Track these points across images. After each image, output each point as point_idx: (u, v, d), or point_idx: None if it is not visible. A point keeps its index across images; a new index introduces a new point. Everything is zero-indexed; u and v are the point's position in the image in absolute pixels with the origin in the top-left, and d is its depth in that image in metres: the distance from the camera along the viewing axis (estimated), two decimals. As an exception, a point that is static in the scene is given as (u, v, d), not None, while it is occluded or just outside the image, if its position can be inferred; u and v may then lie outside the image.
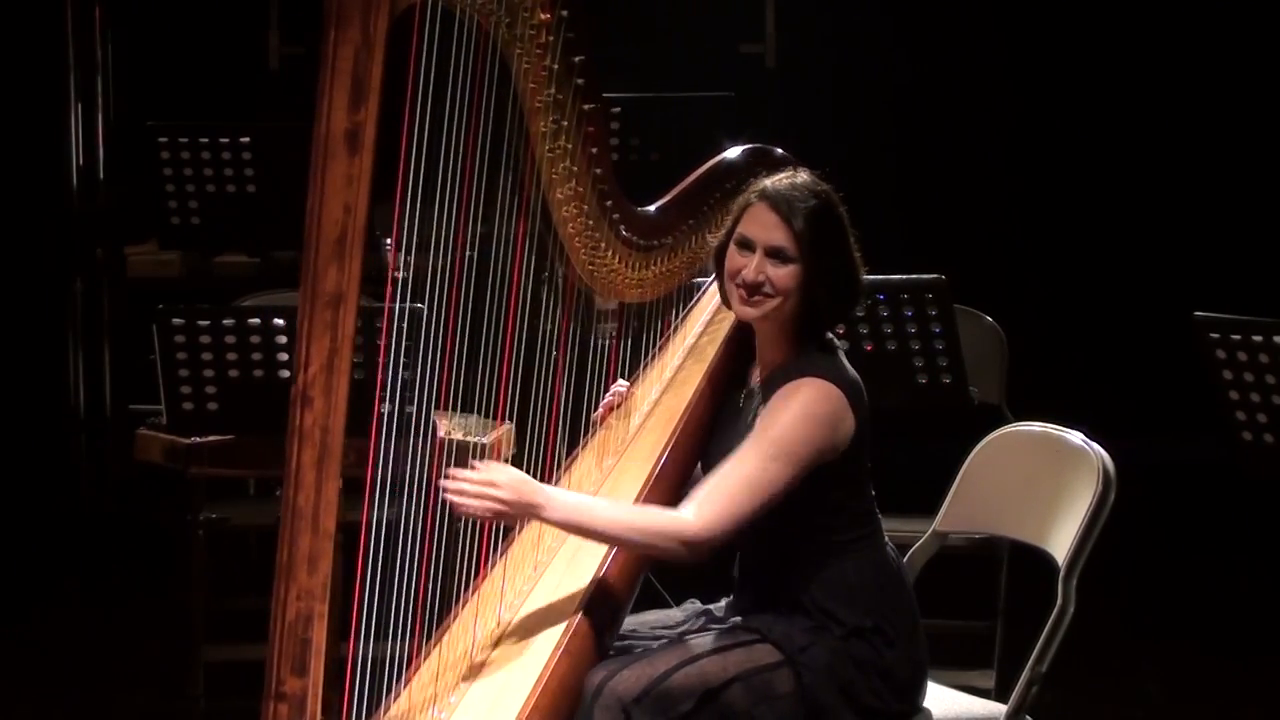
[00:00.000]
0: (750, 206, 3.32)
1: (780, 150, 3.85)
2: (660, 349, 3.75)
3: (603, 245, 3.54)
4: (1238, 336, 3.75)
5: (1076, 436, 3.47)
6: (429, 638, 3.18)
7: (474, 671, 3.16)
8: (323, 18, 2.74)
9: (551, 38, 3.27)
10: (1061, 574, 3.34)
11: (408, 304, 3.22)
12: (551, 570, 3.35)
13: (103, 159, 7.06)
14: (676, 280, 3.75)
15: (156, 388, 4.51)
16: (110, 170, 7.07)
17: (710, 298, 3.81)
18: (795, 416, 3.21)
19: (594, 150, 3.44)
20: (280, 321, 4.34)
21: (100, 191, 7.06)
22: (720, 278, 3.39)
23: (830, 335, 3.37)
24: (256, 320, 4.37)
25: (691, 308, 3.81)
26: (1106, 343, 7.24)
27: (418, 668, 3.13)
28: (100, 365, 7.11)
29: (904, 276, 4.44)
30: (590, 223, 3.49)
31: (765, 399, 3.29)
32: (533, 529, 3.41)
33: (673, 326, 3.78)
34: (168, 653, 5.17)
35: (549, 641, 3.16)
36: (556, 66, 3.29)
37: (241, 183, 5.48)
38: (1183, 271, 6.97)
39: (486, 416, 3.46)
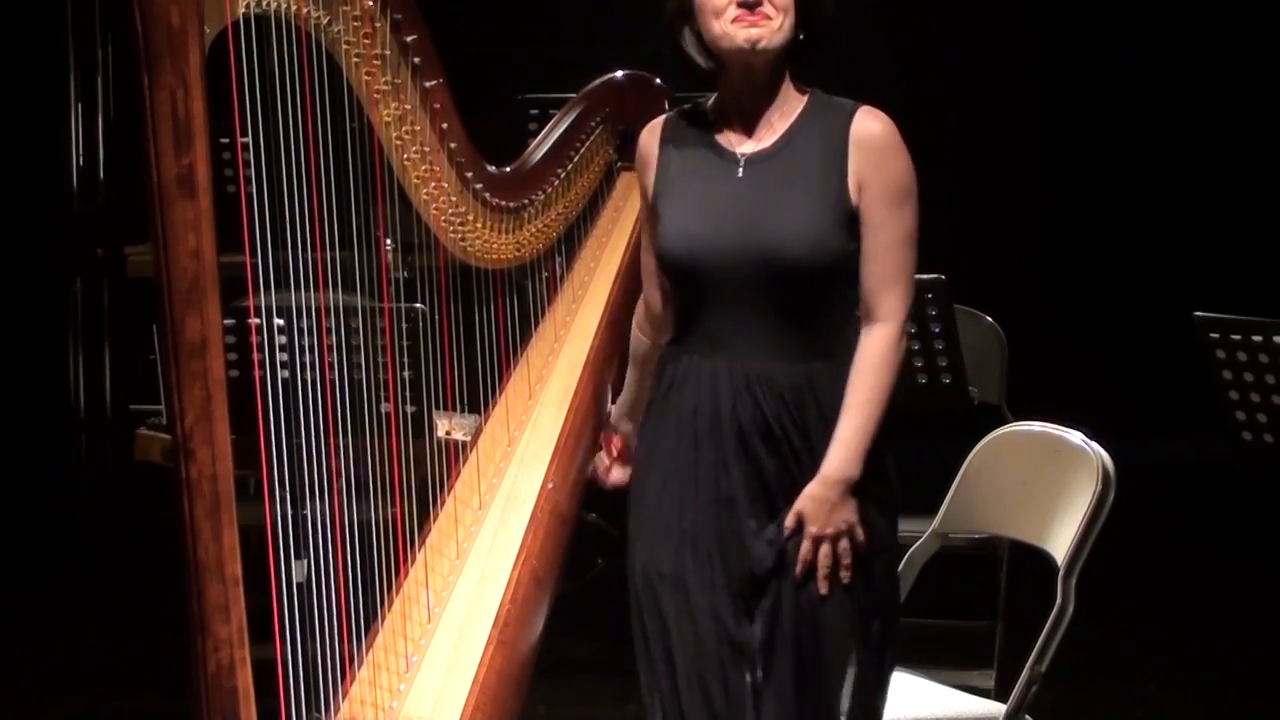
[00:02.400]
0: None
1: (659, 80, 3.92)
2: (551, 303, 3.80)
3: (470, 217, 3.52)
4: (1238, 336, 3.75)
5: (1076, 436, 3.46)
6: (359, 639, 3.13)
7: (409, 673, 3.12)
8: (134, 62, 2.58)
9: (378, 24, 3.18)
10: (1061, 574, 3.34)
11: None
12: (474, 555, 3.34)
13: (103, 159, 7.06)
14: (555, 232, 3.78)
15: (156, 388, 4.51)
16: (110, 170, 7.07)
17: (595, 241, 3.87)
18: (904, 155, 3.19)
19: (445, 125, 3.39)
20: (281, 321, 4.34)
21: (100, 191, 7.06)
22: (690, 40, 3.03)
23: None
24: (256, 320, 4.37)
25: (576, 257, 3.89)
26: (1106, 343, 7.24)
27: (353, 677, 3.08)
28: (100, 365, 7.10)
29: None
30: (453, 198, 3.47)
31: (791, 153, 3.15)
32: (449, 514, 3.40)
33: (559, 278, 3.83)
34: (168, 653, 5.16)
35: (480, 636, 3.16)
36: (388, 52, 3.22)
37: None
38: (1183, 271, 6.96)
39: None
